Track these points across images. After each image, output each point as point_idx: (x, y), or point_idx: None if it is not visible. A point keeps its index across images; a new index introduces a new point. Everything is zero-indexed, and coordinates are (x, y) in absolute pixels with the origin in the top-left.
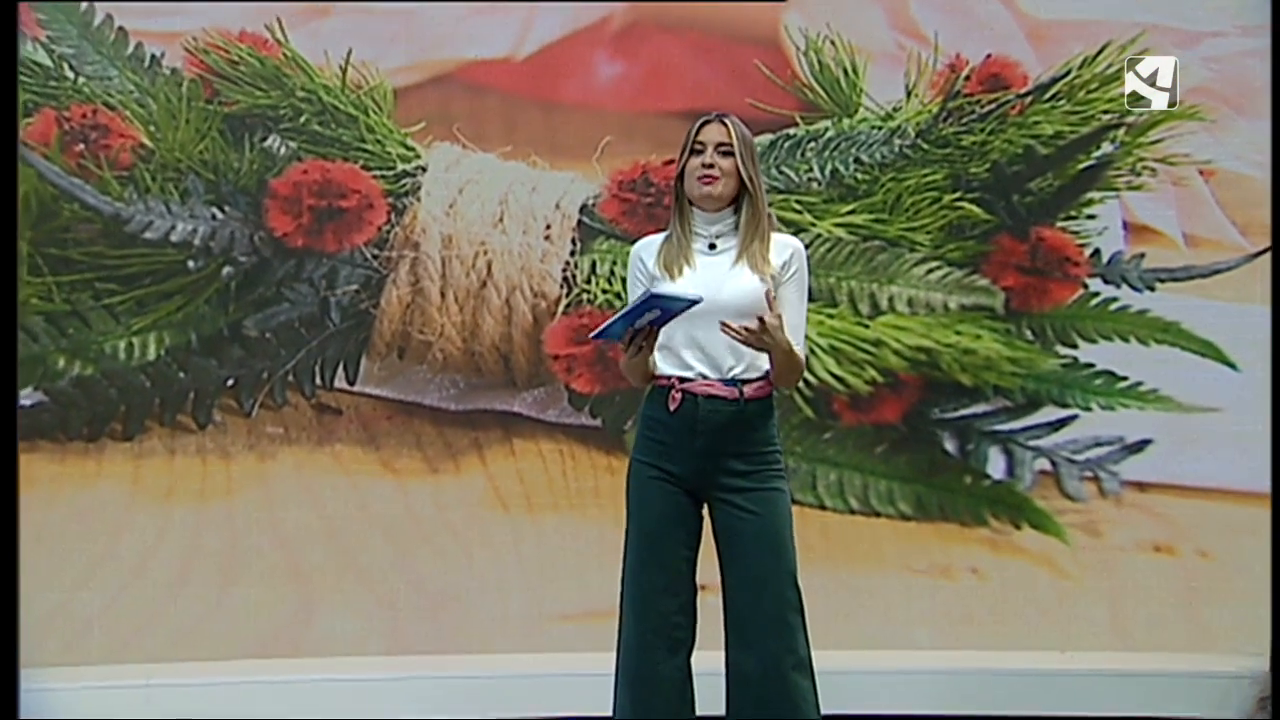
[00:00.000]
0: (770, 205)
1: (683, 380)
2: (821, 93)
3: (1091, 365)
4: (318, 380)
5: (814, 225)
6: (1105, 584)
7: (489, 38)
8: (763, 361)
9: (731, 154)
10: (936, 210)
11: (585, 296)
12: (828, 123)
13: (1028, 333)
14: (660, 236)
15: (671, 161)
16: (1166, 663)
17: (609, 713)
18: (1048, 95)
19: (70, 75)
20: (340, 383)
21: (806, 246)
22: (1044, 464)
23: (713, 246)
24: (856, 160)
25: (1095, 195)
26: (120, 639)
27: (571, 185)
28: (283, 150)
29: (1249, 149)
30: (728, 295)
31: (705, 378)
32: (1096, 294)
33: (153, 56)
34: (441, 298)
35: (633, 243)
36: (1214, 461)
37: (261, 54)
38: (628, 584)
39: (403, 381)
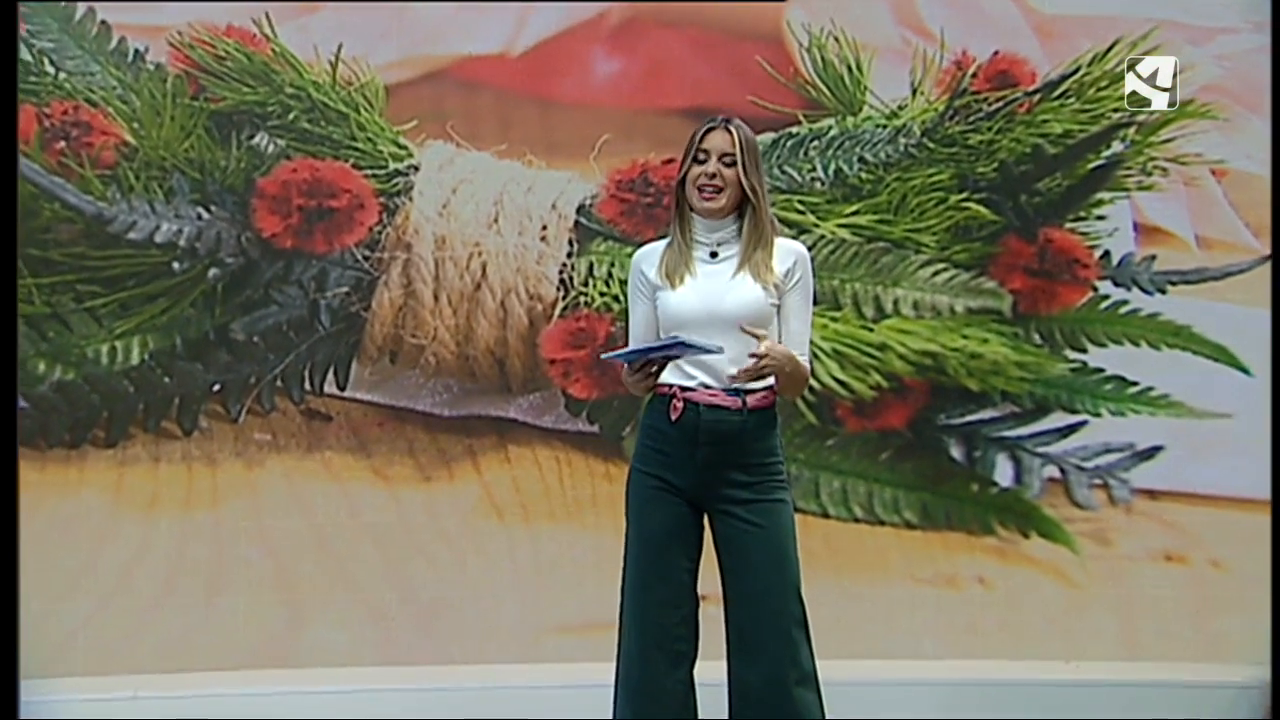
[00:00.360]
0: (772, 206)
1: (685, 389)
2: (825, 90)
3: (1101, 370)
4: (307, 385)
5: (817, 226)
6: (1115, 594)
7: (483, 33)
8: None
9: (735, 164)
10: (942, 211)
11: (582, 299)
12: (831, 121)
13: (1036, 336)
14: (661, 245)
15: (671, 161)
16: (1176, 673)
17: None
18: (1057, 93)
19: (51, 71)
20: (330, 388)
21: (809, 248)
22: (1053, 471)
23: (714, 255)
24: (861, 159)
25: (1105, 195)
26: (105, 651)
27: (568, 185)
28: (271, 148)
29: (1262, 148)
30: (730, 305)
31: (708, 387)
32: (1106, 297)
33: (136, 51)
34: (434, 300)
35: (631, 244)
36: (1227, 469)
37: (249, 49)
38: (628, 596)
39: (394, 386)
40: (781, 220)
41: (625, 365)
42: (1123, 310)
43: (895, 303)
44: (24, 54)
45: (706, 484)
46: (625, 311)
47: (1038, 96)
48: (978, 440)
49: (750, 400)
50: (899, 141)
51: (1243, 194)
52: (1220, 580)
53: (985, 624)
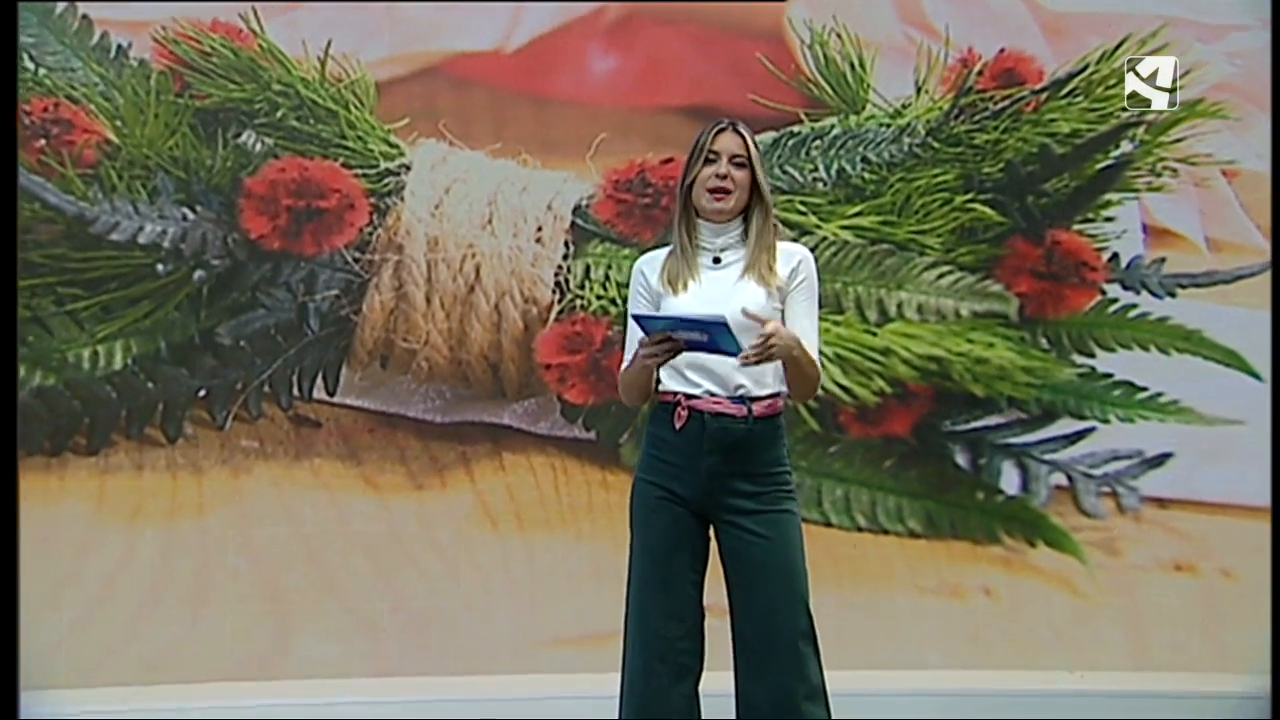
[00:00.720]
0: (773, 207)
1: (690, 397)
2: (827, 88)
3: (1110, 375)
4: (295, 391)
5: (819, 228)
6: (1123, 604)
7: (477, 29)
8: (771, 378)
9: (746, 165)
10: (947, 212)
11: (578, 302)
12: (834, 120)
13: (1043, 341)
14: (664, 251)
15: (670, 160)
16: (1185, 684)
17: None
18: (1064, 91)
19: (30, 66)
20: (319, 393)
21: (812, 250)
22: (1060, 479)
23: (717, 260)
24: (864, 159)
25: (1114, 196)
26: (88, 663)
27: (564, 185)
28: (258, 147)
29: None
30: (734, 311)
31: (713, 395)
32: (1115, 300)
33: (119, 47)
34: (427, 303)
35: (629, 245)
36: (1237, 476)
37: (235, 45)
38: (632, 608)
39: (385, 392)
40: (783, 222)
41: (621, 373)
42: (1131, 314)
43: (899, 306)
44: None
45: (712, 494)
46: (622, 315)
47: (1045, 95)
48: (983, 447)
49: (756, 408)
50: (903, 141)
51: (1254, 195)
52: (1231, 590)
53: (991, 635)
